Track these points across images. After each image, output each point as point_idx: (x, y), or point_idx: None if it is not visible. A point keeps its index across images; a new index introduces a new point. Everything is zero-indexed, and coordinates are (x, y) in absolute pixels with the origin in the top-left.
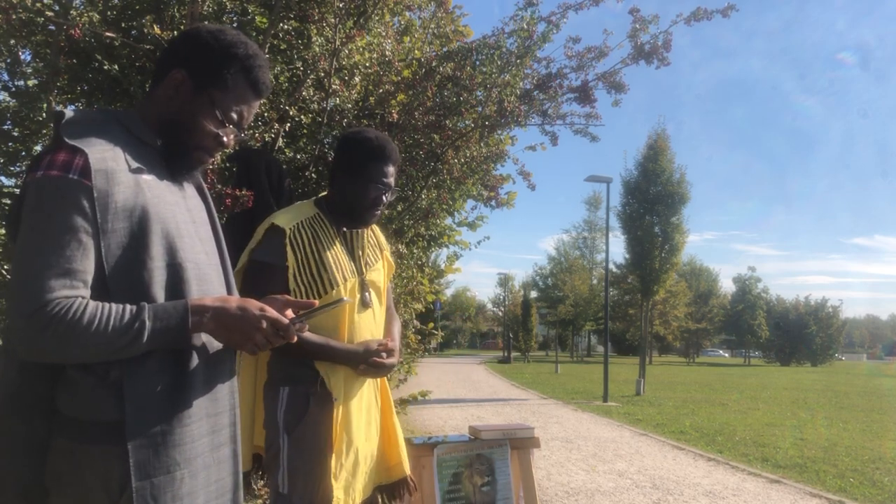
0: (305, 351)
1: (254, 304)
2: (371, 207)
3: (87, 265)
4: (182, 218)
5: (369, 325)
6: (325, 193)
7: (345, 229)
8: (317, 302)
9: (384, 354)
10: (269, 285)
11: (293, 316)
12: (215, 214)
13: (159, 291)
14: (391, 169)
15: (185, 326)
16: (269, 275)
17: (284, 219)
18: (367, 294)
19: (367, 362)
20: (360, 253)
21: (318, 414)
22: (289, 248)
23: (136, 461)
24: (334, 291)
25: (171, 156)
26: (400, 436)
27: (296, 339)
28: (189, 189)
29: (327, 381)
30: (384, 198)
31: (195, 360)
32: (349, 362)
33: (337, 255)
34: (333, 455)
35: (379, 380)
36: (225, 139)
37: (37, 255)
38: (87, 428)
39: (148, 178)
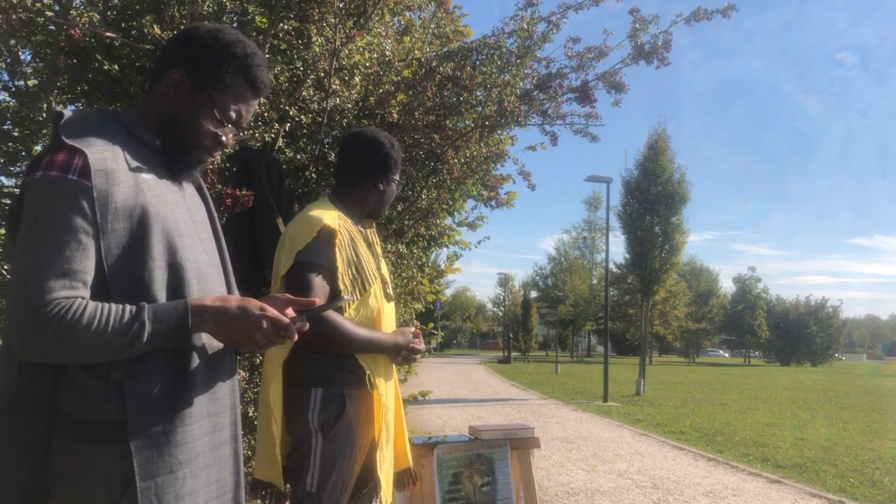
0: (356, 345)
1: (254, 304)
2: (389, 202)
3: (86, 265)
4: (182, 217)
5: (393, 318)
6: (329, 192)
7: (361, 228)
8: (317, 300)
9: (418, 341)
10: (318, 287)
11: (294, 315)
12: (215, 214)
13: (160, 291)
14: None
15: (186, 327)
16: (319, 275)
17: (330, 219)
18: (388, 288)
19: (407, 349)
20: (376, 249)
21: (353, 413)
22: (337, 250)
23: (140, 461)
24: (372, 290)
25: (170, 155)
26: (404, 426)
27: (297, 337)
28: (188, 189)
29: (373, 377)
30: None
31: (196, 360)
32: (392, 351)
33: (367, 254)
34: (378, 449)
35: (393, 371)
36: (224, 138)
37: (36, 256)
38: (88, 428)
39: (147, 178)
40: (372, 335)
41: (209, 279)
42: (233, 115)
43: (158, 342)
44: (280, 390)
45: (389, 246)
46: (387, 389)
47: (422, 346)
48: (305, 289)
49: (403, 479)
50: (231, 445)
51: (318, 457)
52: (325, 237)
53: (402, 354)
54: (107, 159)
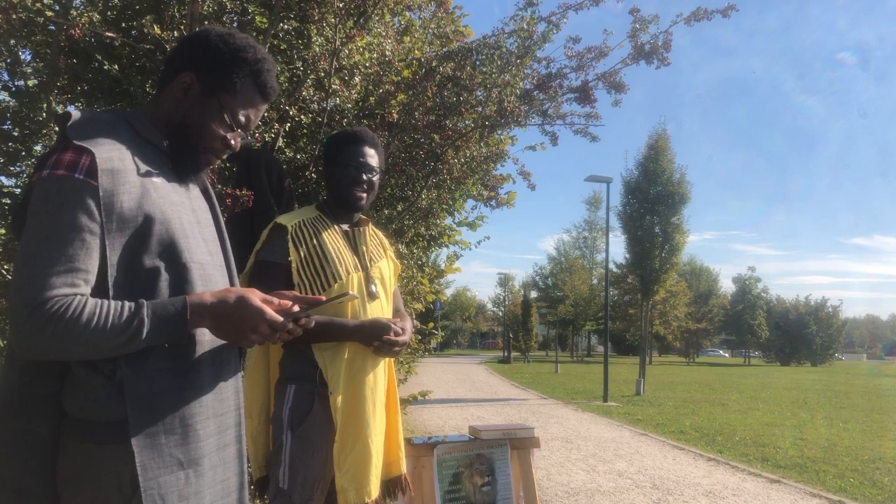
0: (312, 331)
1: (254, 303)
2: (353, 185)
3: (89, 264)
4: (187, 218)
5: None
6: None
7: (346, 227)
8: (324, 297)
9: (397, 330)
10: (274, 283)
11: (298, 309)
12: (220, 215)
13: (163, 291)
14: (367, 149)
15: (184, 323)
16: (273, 273)
17: (286, 218)
18: (373, 286)
19: (380, 339)
20: (364, 249)
21: (321, 412)
22: (291, 245)
23: (142, 461)
24: (337, 285)
25: (178, 157)
26: (400, 432)
27: (301, 332)
28: (194, 190)
29: (324, 371)
30: (365, 176)
31: (200, 360)
32: (358, 336)
33: (339, 250)
34: (336, 444)
35: (388, 375)
36: (232, 142)
37: (39, 254)
38: (97, 428)
39: (154, 179)
40: (329, 320)
41: (213, 280)
42: (242, 119)
43: (157, 338)
44: (254, 385)
45: (391, 247)
46: (359, 388)
47: (402, 338)
48: (255, 285)
49: (393, 488)
50: (235, 446)
51: (287, 453)
52: (277, 234)
53: (375, 345)
54: (114, 159)
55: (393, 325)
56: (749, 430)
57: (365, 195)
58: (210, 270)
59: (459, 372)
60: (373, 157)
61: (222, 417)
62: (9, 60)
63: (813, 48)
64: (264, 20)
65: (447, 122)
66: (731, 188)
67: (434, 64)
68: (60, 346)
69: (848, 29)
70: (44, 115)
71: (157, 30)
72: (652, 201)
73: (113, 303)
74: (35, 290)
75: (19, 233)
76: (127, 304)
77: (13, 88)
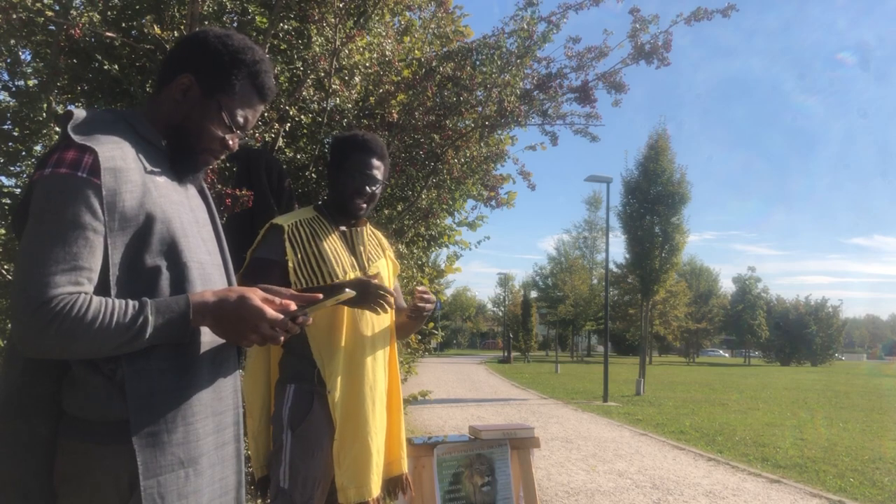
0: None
1: (255, 302)
2: (355, 196)
3: (92, 263)
4: (186, 218)
5: (374, 316)
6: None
7: (343, 228)
8: (321, 295)
9: (377, 283)
10: (269, 281)
11: (296, 307)
12: (216, 215)
13: (164, 290)
14: (374, 161)
15: (187, 322)
16: (269, 271)
17: (283, 218)
18: None
19: (371, 291)
20: (362, 249)
21: (321, 411)
22: (287, 244)
23: (143, 460)
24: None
25: (177, 158)
26: (402, 431)
27: (299, 330)
28: (191, 190)
29: (322, 369)
30: (368, 188)
31: (200, 359)
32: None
33: (336, 250)
34: (336, 442)
35: (390, 374)
36: (231, 143)
37: (42, 252)
38: (96, 428)
39: (155, 178)
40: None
41: (212, 279)
42: (241, 120)
43: (160, 337)
44: (255, 385)
45: (391, 247)
46: (358, 385)
47: (390, 296)
48: (251, 283)
49: (394, 487)
50: (234, 445)
51: (287, 453)
52: (273, 234)
53: (371, 304)
54: (116, 158)
55: (372, 279)
56: (749, 430)
57: (365, 206)
58: (209, 270)
59: (459, 372)
60: (379, 169)
61: (221, 416)
62: (9, 60)
63: (813, 48)
64: (264, 20)
65: (447, 122)
66: (731, 188)
67: (434, 64)
68: (64, 344)
69: (848, 29)
70: (44, 115)
71: (157, 30)
72: (652, 201)
73: (117, 301)
74: (39, 289)
75: (20, 232)
76: (131, 302)
77: (13, 88)
